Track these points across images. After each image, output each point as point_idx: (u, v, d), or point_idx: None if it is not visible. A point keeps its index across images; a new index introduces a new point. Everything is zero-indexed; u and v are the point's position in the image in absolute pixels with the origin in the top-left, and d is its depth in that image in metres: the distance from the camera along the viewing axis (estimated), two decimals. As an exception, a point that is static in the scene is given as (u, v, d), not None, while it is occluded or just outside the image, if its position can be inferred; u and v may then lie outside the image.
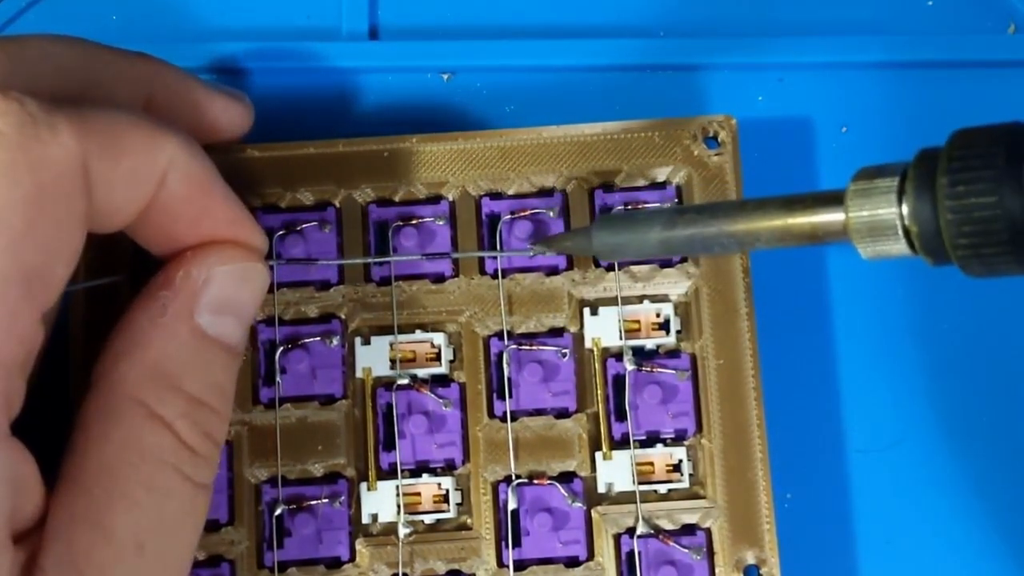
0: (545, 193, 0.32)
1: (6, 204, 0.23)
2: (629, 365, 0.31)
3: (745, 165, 0.33)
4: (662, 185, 0.32)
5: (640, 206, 0.32)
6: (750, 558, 0.31)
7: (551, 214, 0.32)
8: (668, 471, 0.31)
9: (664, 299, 0.32)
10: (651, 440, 0.32)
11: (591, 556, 0.31)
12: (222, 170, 0.28)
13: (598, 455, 0.31)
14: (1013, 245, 0.22)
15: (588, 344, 0.32)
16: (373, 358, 0.32)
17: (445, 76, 0.36)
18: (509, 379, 0.31)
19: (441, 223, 0.32)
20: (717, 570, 0.31)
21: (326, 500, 0.31)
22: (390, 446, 0.31)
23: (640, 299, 0.32)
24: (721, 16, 0.36)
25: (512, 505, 0.31)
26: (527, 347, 0.32)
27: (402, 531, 0.31)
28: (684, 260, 0.32)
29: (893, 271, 0.34)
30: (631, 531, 0.31)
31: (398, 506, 0.31)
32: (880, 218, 0.23)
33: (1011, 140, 0.22)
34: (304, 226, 0.32)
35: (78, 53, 0.28)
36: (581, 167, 0.32)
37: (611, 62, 0.36)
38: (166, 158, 0.26)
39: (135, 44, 0.30)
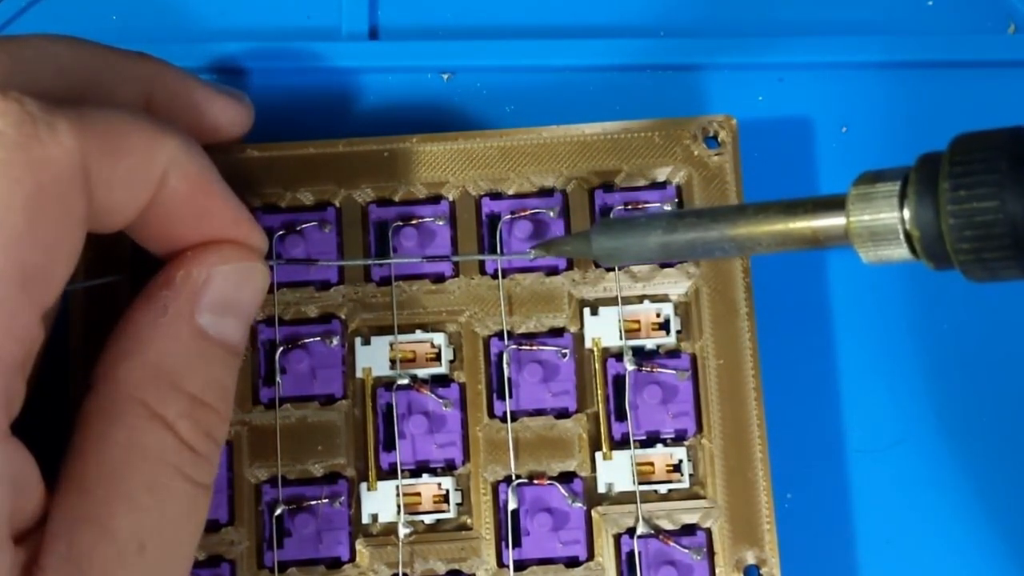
0: (545, 193, 0.32)
1: (6, 203, 0.23)
2: (629, 365, 0.31)
3: (745, 165, 0.33)
4: (662, 185, 0.32)
5: (640, 206, 0.32)
6: (750, 558, 0.31)
7: (551, 214, 0.32)
8: (668, 471, 0.31)
9: (664, 299, 0.32)
10: (651, 440, 0.32)
11: (591, 556, 0.31)
12: (222, 170, 0.28)
13: (598, 455, 0.31)
14: (1015, 249, 0.22)
15: (588, 344, 0.32)
16: (373, 358, 0.32)
17: (445, 76, 0.36)
18: (509, 379, 0.31)
19: (441, 223, 0.32)
20: (717, 570, 0.31)
21: (326, 500, 0.31)
22: (390, 446, 0.31)
23: (640, 299, 0.32)
24: (721, 16, 0.36)
25: (512, 505, 0.31)
26: (527, 347, 0.32)
27: (402, 531, 0.31)
28: (684, 260, 0.32)
29: (893, 272, 0.34)
30: (631, 531, 0.31)
31: (398, 506, 0.31)
32: (882, 223, 0.23)
33: (1013, 144, 0.22)
34: (304, 226, 0.32)
35: (78, 53, 0.28)
36: (581, 167, 0.32)
37: (611, 62, 0.36)
38: (166, 158, 0.26)
39: (135, 44, 0.30)
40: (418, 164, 0.32)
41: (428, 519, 0.31)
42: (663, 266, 0.32)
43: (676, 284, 0.32)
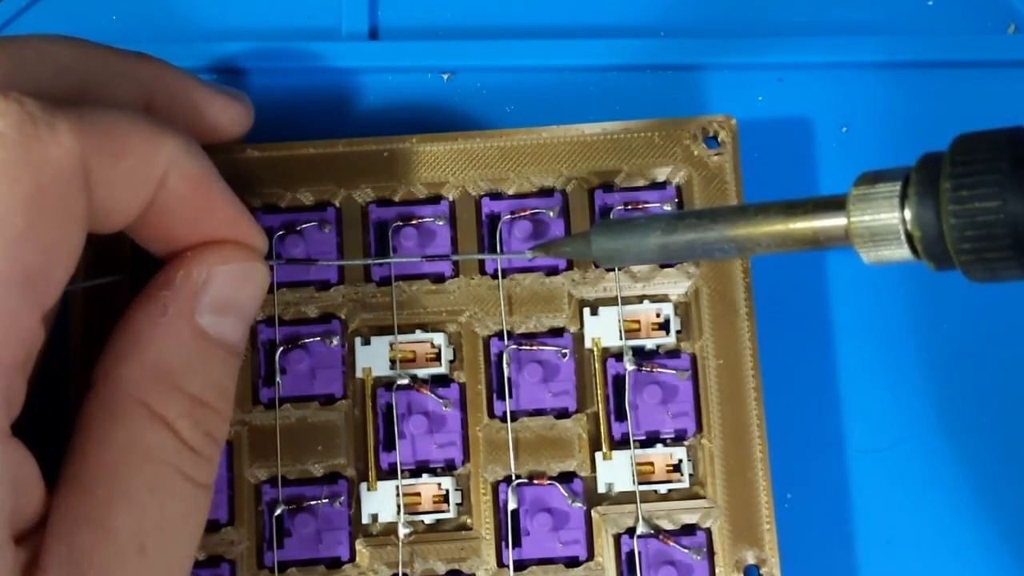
0: (545, 193, 0.32)
1: (6, 204, 0.23)
2: (629, 365, 0.31)
3: (745, 165, 0.33)
4: (662, 185, 0.32)
5: (640, 206, 0.32)
6: (750, 558, 0.31)
7: (551, 214, 0.32)
8: (668, 471, 0.31)
9: (664, 299, 0.32)
10: (651, 440, 0.32)
11: (591, 556, 0.31)
12: (222, 170, 0.28)
13: (598, 455, 0.31)
14: (1016, 250, 0.22)
15: (588, 344, 0.32)
16: (373, 358, 0.32)
17: (445, 76, 0.36)
18: (509, 379, 0.31)
19: (441, 223, 0.32)
20: (717, 570, 0.31)
21: (326, 500, 0.31)
22: (390, 446, 0.31)
23: (640, 299, 0.32)
24: (721, 16, 0.36)
25: (512, 505, 0.31)
26: (527, 347, 0.32)
27: (402, 531, 0.31)
28: (684, 261, 0.32)
29: (893, 272, 0.34)
30: (631, 531, 0.31)
31: (398, 506, 0.31)
32: (882, 223, 0.23)
33: (1014, 145, 0.22)
34: (304, 226, 0.32)
35: (78, 53, 0.28)
36: (581, 167, 0.32)
37: (611, 62, 0.36)
38: (166, 158, 0.26)
39: (135, 44, 0.30)
40: (418, 164, 0.32)
41: (428, 519, 0.31)
42: (663, 266, 0.32)
43: (676, 284, 0.32)
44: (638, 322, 0.32)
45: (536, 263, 0.32)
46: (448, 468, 0.32)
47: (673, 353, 0.32)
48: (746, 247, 0.25)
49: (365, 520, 0.31)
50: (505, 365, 0.31)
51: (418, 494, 0.31)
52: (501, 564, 0.31)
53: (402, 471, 0.31)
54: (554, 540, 0.31)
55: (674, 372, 0.31)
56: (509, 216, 0.32)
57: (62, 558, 0.24)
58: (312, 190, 0.32)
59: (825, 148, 0.35)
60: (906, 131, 0.35)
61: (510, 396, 0.31)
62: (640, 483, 0.31)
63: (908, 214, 0.23)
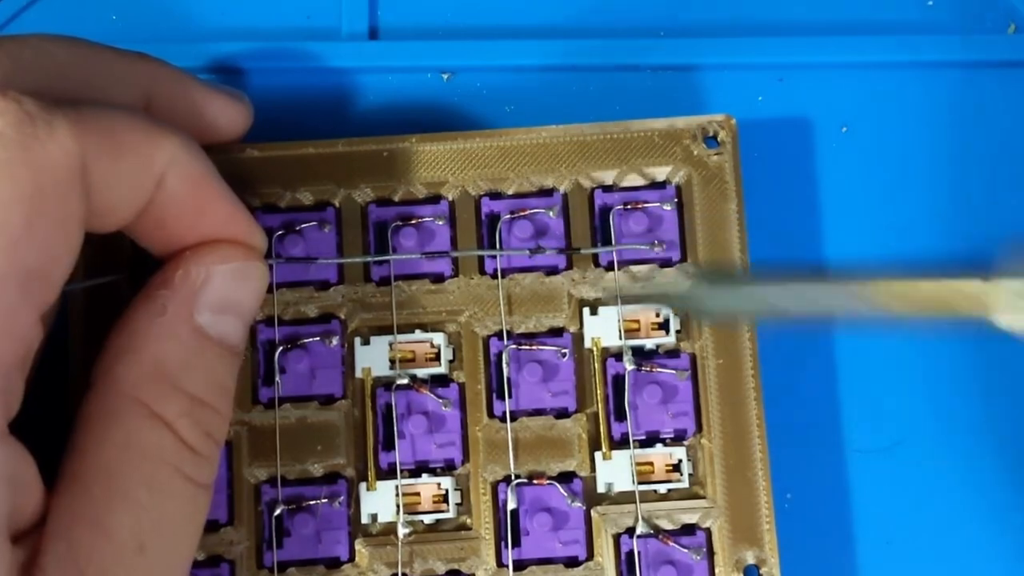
0: (545, 193, 0.32)
1: (4, 204, 0.23)
2: (629, 365, 0.31)
3: (745, 165, 0.33)
4: (662, 185, 0.32)
5: (640, 206, 0.32)
6: (750, 558, 0.31)
7: (551, 214, 0.32)
8: (668, 471, 0.31)
9: (664, 299, 0.32)
10: (651, 440, 0.32)
11: (591, 556, 0.31)
12: (222, 170, 0.28)
13: (598, 455, 0.31)
14: None
15: (588, 344, 0.32)
16: (373, 358, 0.32)
17: (445, 76, 0.36)
18: (509, 379, 0.31)
19: (441, 223, 0.32)
20: (717, 570, 0.31)
21: (325, 500, 0.31)
22: (389, 446, 0.31)
23: (640, 299, 0.32)
24: (721, 16, 0.36)
25: (512, 505, 0.31)
26: (527, 347, 0.32)
27: (401, 531, 0.31)
28: (684, 259, 0.32)
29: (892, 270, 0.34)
30: (631, 531, 0.31)
31: (397, 506, 0.31)
32: None
33: None
34: (303, 226, 0.32)
35: (76, 53, 0.28)
36: (581, 167, 0.32)
37: (611, 62, 0.36)
38: (165, 158, 0.26)
39: (135, 44, 0.30)
40: (418, 164, 0.32)
41: (427, 519, 0.31)
42: (663, 266, 0.32)
43: (676, 284, 0.32)
44: (638, 322, 0.32)
45: (536, 263, 0.32)
46: (448, 468, 0.32)
47: (673, 353, 0.32)
48: (879, 310, 0.24)
49: (364, 520, 0.31)
50: (505, 365, 0.31)
51: (418, 494, 0.31)
52: (501, 564, 0.31)
53: (401, 471, 0.31)
54: (554, 540, 0.31)
55: (674, 372, 0.31)
56: (509, 216, 0.32)
57: (60, 557, 0.24)
58: (312, 190, 0.32)
59: (825, 148, 0.35)
60: (906, 131, 0.35)
61: (510, 396, 0.31)
62: (640, 483, 0.31)
63: None
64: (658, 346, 0.32)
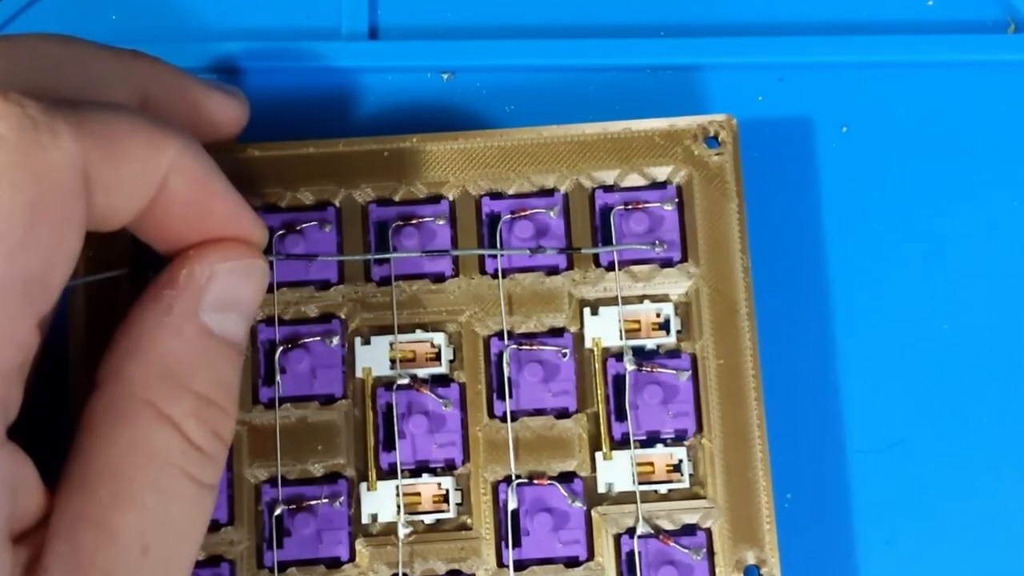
0: (545, 193, 0.32)
1: (6, 209, 0.22)
2: (629, 365, 0.31)
3: (745, 165, 0.33)
4: (662, 185, 0.32)
5: (640, 206, 0.32)
6: (750, 558, 0.31)
7: (551, 214, 0.32)
8: (668, 471, 0.31)
9: (664, 299, 0.32)
10: (651, 440, 0.32)
11: (591, 556, 0.31)
12: (223, 170, 0.28)
13: (598, 455, 0.31)
14: None
15: (588, 344, 0.32)
16: (373, 358, 0.32)
17: (445, 76, 0.36)
18: (509, 379, 0.31)
19: (441, 223, 0.32)
20: (717, 570, 0.31)
21: (326, 500, 0.31)
22: (390, 446, 0.31)
23: (640, 299, 0.32)
24: (721, 16, 0.36)
25: (512, 505, 0.31)
26: (527, 347, 0.32)
27: (402, 531, 0.31)
28: (684, 260, 0.32)
29: (893, 272, 0.34)
30: (631, 531, 0.31)
31: (398, 506, 0.31)
32: None
33: None
34: (304, 226, 0.32)
35: (72, 52, 0.28)
36: (581, 167, 0.32)
37: (611, 62, 0.36)
38: (167, 161, 0.26)
39: (135, 44, 0.30)
40: (418, 164, 0.32)
41: (428, 519, 0.31)
42: (663, 266, 0.32)
43: (676, 284, 0.32)
44: (638, 322, 0.32)
45: (536, 262, 0.32)
46: (448, 468, 0.32)
47: (673, 353, 0.32)
48: None
49: (365, 520, 0.31)
50: (505, 365, 0.31)
51: (418, 494, 0.31)
52: (501, 564, 0.31)
53: (402, 471, 0.31)
54: (554, 540, 0.31)
55: (674, 372, 0.31)
56: (509, 216, 0.32)
57: (64, 558, 0.24)
58: (312, 190, 0.32)
59: (825, 148, 0.35)
60: (906, 131, 0.35)
61: (510, 396, 0.31)
62: (640, 483, 0.31)
63: None
64: (659, 346, 0.32)
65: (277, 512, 0.31)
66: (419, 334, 0.32)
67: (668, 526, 0.31)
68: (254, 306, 0.28)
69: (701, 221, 0.32)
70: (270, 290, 0.31)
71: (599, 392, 0.32)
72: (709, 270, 0.32)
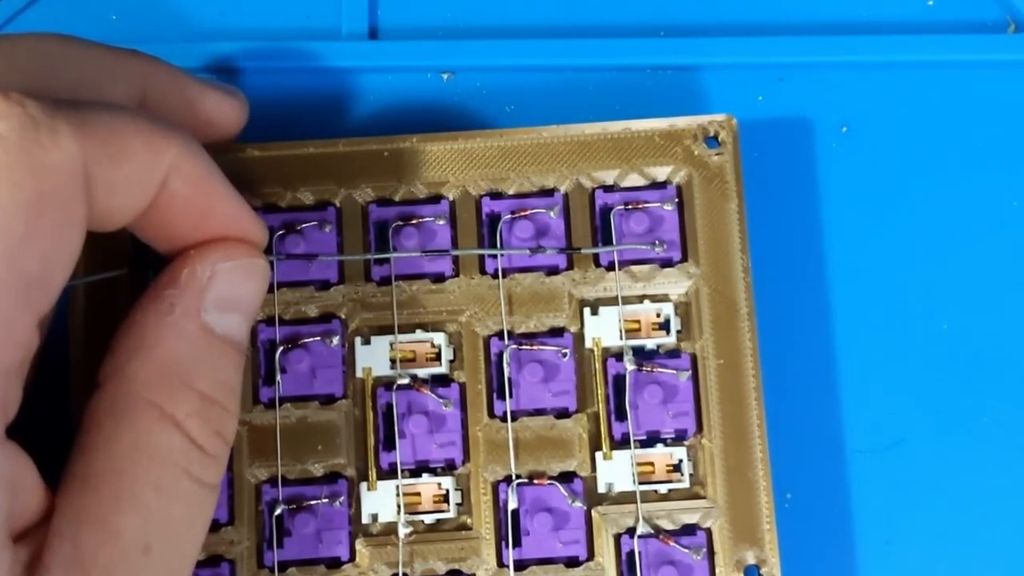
0: (545, 193, 0.32)
1: (7, 209, 0.22)
2: (629, 365, 0.31)
3: (745, 165, 0.33)
4: (663, 185, 0.32)
5: (640, 206, 0.32)
6: (750, 558, 0.31)
7: (552, 214, 0.32)
8: (668, 471, 0.31)
9: (664, 299, 0.32)
10: (651, 440, 0.32)
11: (591, 556, 0.31)
12: (223, 170, 0.28)
13: (598, 455, 0.31)
14: None
15: (588, 344, 0.32)
16: (373, 358, 0.32)
17: (445, 76, 0.36)
18: (509, 379, 0.31)
19: (441, 223, 0.32)
20: (717, 570, 0.31)
21: (326, 500, 0.31)
22: (390, 446, 0.31)
23: (640, 299, 0.32)
24: (721, 16, 0.36)
25: (512, 505, 0.31)
26: (527, 347, 0.32)
27: (402, 531, 0.31)
28: (684, 260, 0.32)
29: (893, 272, 0.34)
30: (631, 531, 0.31)
31: (398, 506, 0.31)
32: None
33: None
34: (304, 226, 0.32)
35: (69, 50, 0.28)
36: (581, 167, 0.32)
37: (611, 62, 0.36)
38: (168, 161, 0.26)
39: (134, 43, 0.30)
40: (418, 164, 0.32)
41: (428, 519, 0.31)
42: (663, 266, 0.32)
43: (676, 284, 0.32)
44: (638, 322, 0.32)
45: (536, 262, 0.32)
46: (448, 468, 0.32)
47: (673, 353, 0.32)
48: None
49: (365, 520, 0.31)
50: (505, 365, 0.31)
51: (418, 494, 0.31)
52: (501, 564, 0.31)
53: (402, 471, 0.31)
54: (554, 540, 0.31)
55: (674, 372, 0.31)
56: (509, 216, 0.32)
57: (66, 556, 0.24)
58: (312, 190, 0.32)
59: (825, 148, 0.35)
60: (906, 131, 0.35)
61: (510, 396, 0.31)
62: (640, 483, 0.31)
63: None
64: (659, 346, 0.32)
65: (277, 512, 0.31)
66: (419, 334, 0.32)
67: (668, 526, 0.31)
68: (255, 305, 0.28)
69: (701, 221, 0.32)
70: (270, 290, 0.31)
71: (599, 392, 0.32)
72: (709, 270, 0.32)
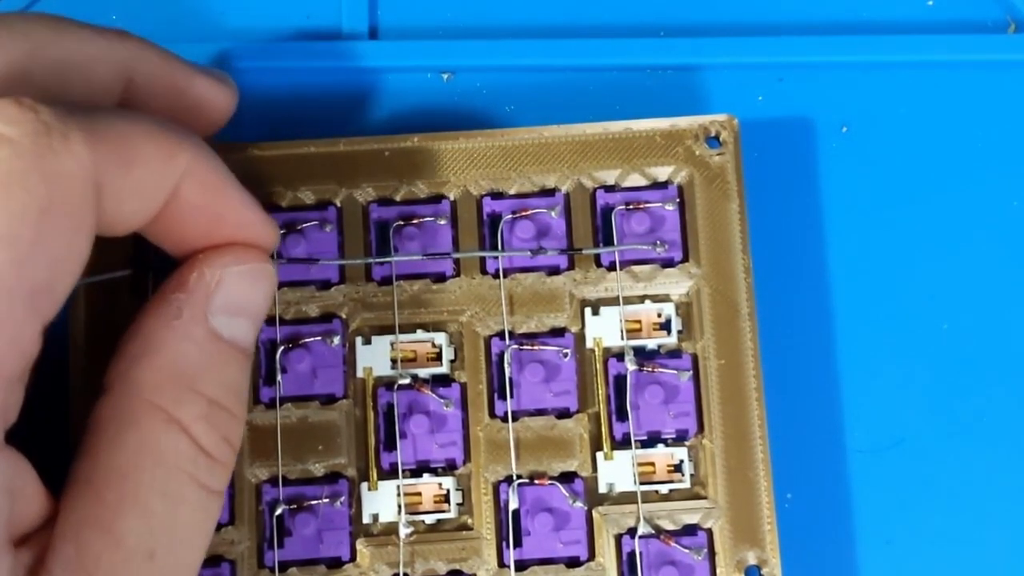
0: (546, 193, 0.32)
1: (17, 216, 0.22)
2: (630, 365, 0.31)
3: (745, 165, 0.33)
4: (664, 185, 0.32)
5: (641, 206, 0.32)
6: (751, 558, 0.31)
7: (552, 214, 0.32)
8: (669, 471, 0.31)
9: (665, 299, 0.32)
10: (652, 440, 0.32)
11: (592, 556, 0.31)
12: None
13: (599, 455, 0.31)
14: None
15: (589, 344, 0.32)
16: (374, 358, 0.32)
17: (445, 76, 0.36)
18: (510, 379, 0.31)
19: (442, 223, 0.32)
20: (718, 570, 0.31)
21: (327, 500, 0.31)
22: (391, 446, 0.31)
23: (641, 299, 0.32)
24: (721, 16, 0.36)
25: (513, 505, 0.31)
26: (528, 347, 0.32)
27: (403, 531, 0.31)
28: (685, 260, 0.32)
29: (893, 272, 0.34)
30: (632, 531, 0.31)
31: (399, 506, 0.31)
32: None
33: None
34: (305, 225, 0.32)
35: (54, 31, 0.27)
36: (582, 167, 0.32)
37: (611, 62, 0.36)
38: (180, 169, 0.25)
39: (135, 43, 0.30)
40: (419, 164, 0.32)
41: (429, 519, 0.31)
42: (664, 266, 0.32)
43: (677, 284, 0.32)
44: (639, 322, 0.32)
45: (537, 262, 0.32)
46: (449, 468, 0.32)
47: (674, 353, 0.32)
48: None
49: (366, 520, 0.31)
50: (506, 365, 0.31)
51: (419, 494, 0.31)
52: (502, 564, 0.31)
53: (403, 471, 0.31)
54: (555, 540, 0.31)
55: (675, 372, 0.31)
56: (510, 216, 0.32)
57: (68, 560, 0.24)
58: (313, 189, 0.32)
59: (825, 148, 0.35)
60: (906, 131, 0.35)
61: (511, 396, 0.31)
62: (641, 483, 0.31)
63: None
64: (660, 346, 0.32)
65: (278, 512, 0.31)
66: (420, 334, 0.32)
67: (669, 526, 0.31)
68: (263, 310, 0.28)
69: (702, 221, 0.32)
70: (271, 290, 0.31)
71: (600, 392, 0.32)
72: (710, 270, 0.32)
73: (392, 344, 0.32)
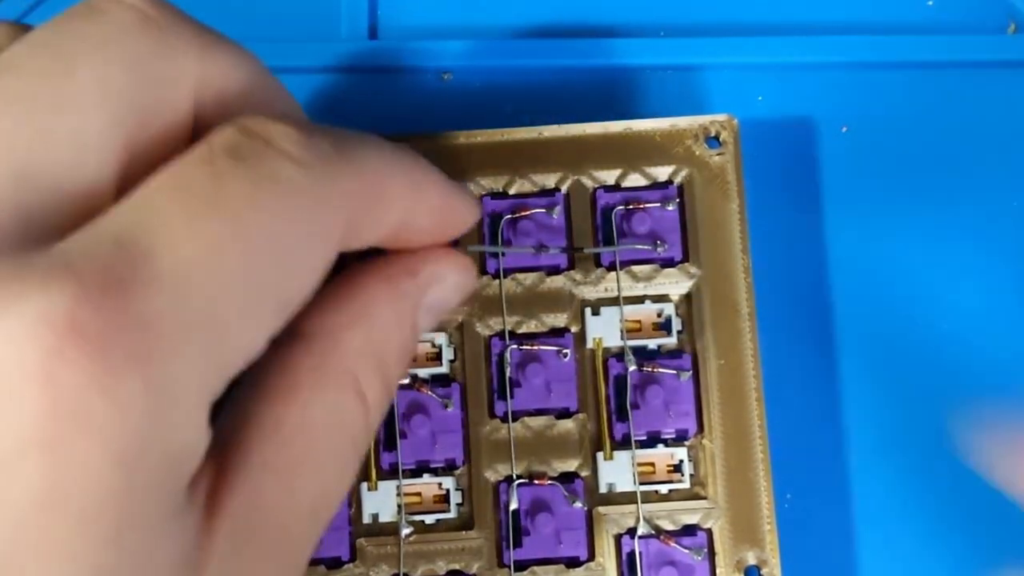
0: (546, 193, 0.32)
1: (292, 250, 0.22)
2: (630, 365, 0.31)
3: (745, 165, 0.33)
4: (664, 185, 0.32)
5: (642, 206, 0.32)
6: (751, 559, 0.31)
7: (552, 214, 0.32)
8: (669, 471, 0.31)
9: (665, 299, 0.32)
10: (652, 440, 0.32)
11: (592, 556, 0.31)
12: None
13: (599, 455, 0.31)
14: None
15: (589, 344, 0.32)
16: (374, 358, 0.32)
17: (445, 76, 0.36)
18: (510, 379, 0.31)
19: (442, 223, 0.32)
20: (718, 571, 0.31)
21: (327, 500, 0.31)
22: (391, 446, 0.31)
23: (641, 299, 0.32)
24: (721, 16, 0.36)
25: (513, 505, 0.31)
26: (528, 347, 0.32)
27: (403, 531, 0.31)
28: (685, 260, 0.32)
29: (893, 272, 0.34)
30: (632, 531, 0.31)
31: (399, 506, 0.31)
32: None
33: None
34: (305, 226, 0.32)
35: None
36: (582, 167, 0.32)
37: (611, 62, 0.36)
38: (419, 204, 0.25)
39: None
40: (419, 164, 0.32)
41: (428, 519, 0.31)
42: (664, 266, 0.32)
43: (677, 284, 0.32)
44: (639, 322, 0.32)
45: (537, 262, 0.32)
46: (449, 468, 0.32)
47: (674, 353, 0.32)
48: None
49: (366, 520, 0.31)
50: (506, 365, 0.31)
51: (419, 494, 0.31)
52: (502, 564, 0.31)
53: (403, 471, 0.31)
54: (555, 540, 0.31)
55: (675, 372, 0.31)
56: (510, 216, 0.32)
57: (249, 505, 0.23)
58: (313, 190, 0.32)
59: (825, 148, 0.35)
60: (906, 131, 0.35)
61: (511, 396, 0.31)
62: (641, 483, 0.31)
63: None
64: (660, 346, 0.32)
65: (278, 512, 0.31)
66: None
67: (669, 526, 0.31)
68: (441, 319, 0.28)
69: (702, 221, 0.32)
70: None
71: (600, 392, 0.32)
72: (710, 270, 0.32)
73: (392, 344, 0.32)
